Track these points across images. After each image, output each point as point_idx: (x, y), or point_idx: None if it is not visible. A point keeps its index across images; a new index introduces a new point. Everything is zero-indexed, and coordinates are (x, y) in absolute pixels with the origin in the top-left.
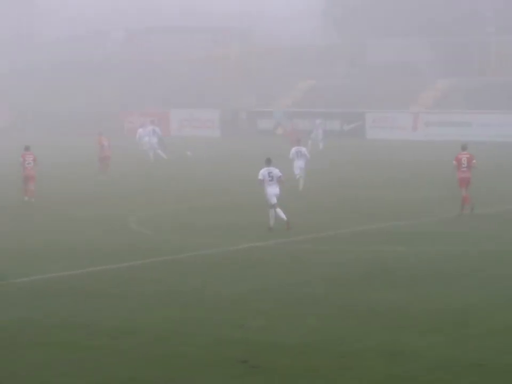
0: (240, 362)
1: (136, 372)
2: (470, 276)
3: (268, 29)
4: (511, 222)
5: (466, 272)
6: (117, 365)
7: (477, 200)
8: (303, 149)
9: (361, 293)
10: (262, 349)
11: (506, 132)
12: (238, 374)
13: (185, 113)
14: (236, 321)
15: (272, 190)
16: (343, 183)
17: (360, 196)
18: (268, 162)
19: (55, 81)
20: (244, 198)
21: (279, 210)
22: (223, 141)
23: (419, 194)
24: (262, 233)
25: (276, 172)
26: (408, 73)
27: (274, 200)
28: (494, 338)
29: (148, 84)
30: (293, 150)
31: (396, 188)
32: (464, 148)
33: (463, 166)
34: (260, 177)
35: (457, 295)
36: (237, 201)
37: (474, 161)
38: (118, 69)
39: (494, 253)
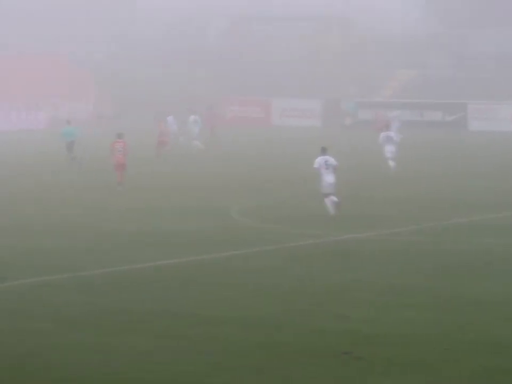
0: (343, 353)
1: (241, 360)
2: None
3: (369, 18)
4: None
5: None
6: (217, 353)
7: None
8: (392, 133)
9: (463, 284)
10: (366, 340)
11: None
12: (341, 364)
13: (286, 102)
14: (338, 312)
15: (329, 178)
16: (441, 173)
17: (458, 186)
18: (324, 150)
19: (158, 69)
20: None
21: (332, 197)
22: (323, 131)
23: None
24: (361, 224)
25: (331, 160)
26: (510, 64)
27: (329, 190)
28: None
29: (250, 72)
30: (382, 135)
31: (495, 179)
32: None
33: None
34: (316, 165)
35: None
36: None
37: None
38: (221, 57)
39: None
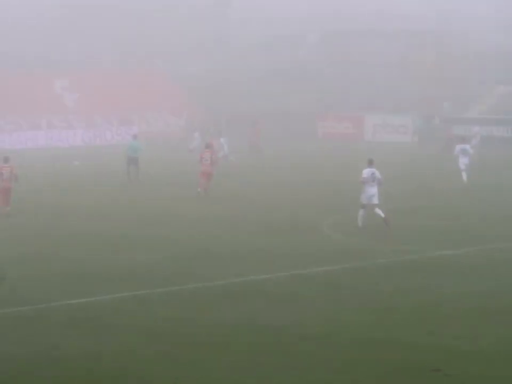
0: (433, 370)
1: (327, 376)
2: None
3: (464, 32)
4: None
5: None
6: (307, 369)
7: None
8: (467, 147)
9: None
10: (455, 356)
11: None
12: (429, 382)
13: (378, 118)
14: (424, 328)
15: (372, 191)
16: None
17: None
18: (371, 162)
19: (250, 84)
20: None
21: (378, 210)
22: (416, 147)
23: None
24: (456, 239)
25: (377, 173)
26: None
27: (374, 201)
28: None
29: (344, 87)
30: (458, 147)
31: None
32: None
33: None
34: (365, 175)
35: None
36: (433, 204)
37: None
38: (314, 72)
39: None
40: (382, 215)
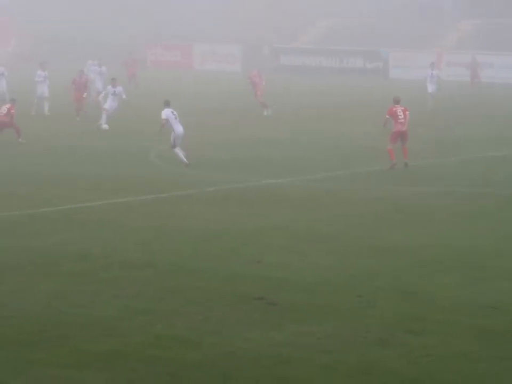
0: (256, 299)
1: (149, 304)
2: (487, 217)
3: None
4: None
5: (483, 212)
6: (131, 297)
7: None
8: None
9: (376, 232)
10: (279, 286)
11: None
12: (253, 310)
13: (207, 47)
14: (251, 258)
15: (180, 129)
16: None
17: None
18: (167, 103)
19: (76, 8)
20: (261, 133)
21: (178, 150)
22: (244, 76)
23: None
24: (277, 170)
25: (176, 113)
26: (432, 13)
27: (181, 140)
28: (507, 281)
29: (171, 16)
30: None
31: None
32: (397, 101)
33: (400, 118)
34: (164, 116)
35: (473, 236)
36: (258, 134)
37: (407, 112)
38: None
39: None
40: (184, 160)
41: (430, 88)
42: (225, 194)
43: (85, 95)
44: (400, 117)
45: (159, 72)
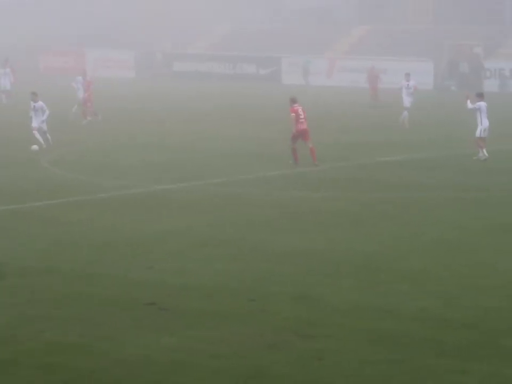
0: (147, 304)
1: (44, 310)
2: (382, 221)
3: None
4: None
5: (378, 216)
6: (25, 304)
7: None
8: None
9: (272, 236)
10: (171, 291)
11: (422, 79)
12: (145, 315)
13: (100, 53)
14: (144, 263)
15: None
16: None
17: (267, 140)
18: (34, 95)
19: None
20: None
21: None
22: (137, 82)
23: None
24: (178, 175)
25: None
26: (325, 19)
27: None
28: (403, 284)
29: (64, 22)
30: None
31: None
32: (294, 100)
33: (301, 117)
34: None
35: (368, 240)
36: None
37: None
38: (33, 5)
39: (411, 199)
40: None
41: (407, 101)
42: (119, 200)
43: None
44: (301, 116)
45: (50, 78)
